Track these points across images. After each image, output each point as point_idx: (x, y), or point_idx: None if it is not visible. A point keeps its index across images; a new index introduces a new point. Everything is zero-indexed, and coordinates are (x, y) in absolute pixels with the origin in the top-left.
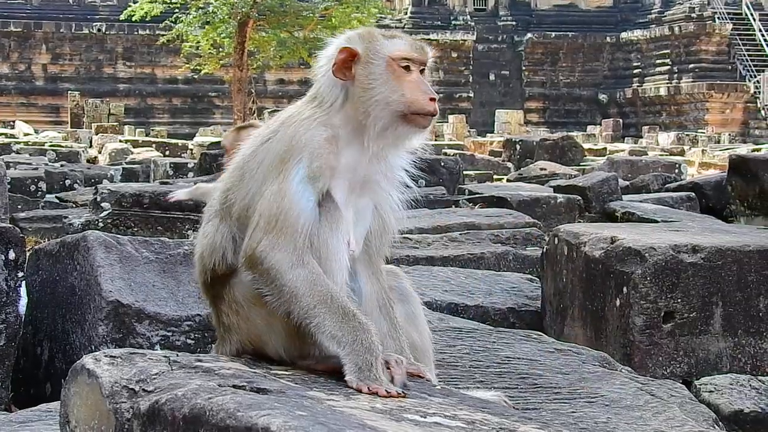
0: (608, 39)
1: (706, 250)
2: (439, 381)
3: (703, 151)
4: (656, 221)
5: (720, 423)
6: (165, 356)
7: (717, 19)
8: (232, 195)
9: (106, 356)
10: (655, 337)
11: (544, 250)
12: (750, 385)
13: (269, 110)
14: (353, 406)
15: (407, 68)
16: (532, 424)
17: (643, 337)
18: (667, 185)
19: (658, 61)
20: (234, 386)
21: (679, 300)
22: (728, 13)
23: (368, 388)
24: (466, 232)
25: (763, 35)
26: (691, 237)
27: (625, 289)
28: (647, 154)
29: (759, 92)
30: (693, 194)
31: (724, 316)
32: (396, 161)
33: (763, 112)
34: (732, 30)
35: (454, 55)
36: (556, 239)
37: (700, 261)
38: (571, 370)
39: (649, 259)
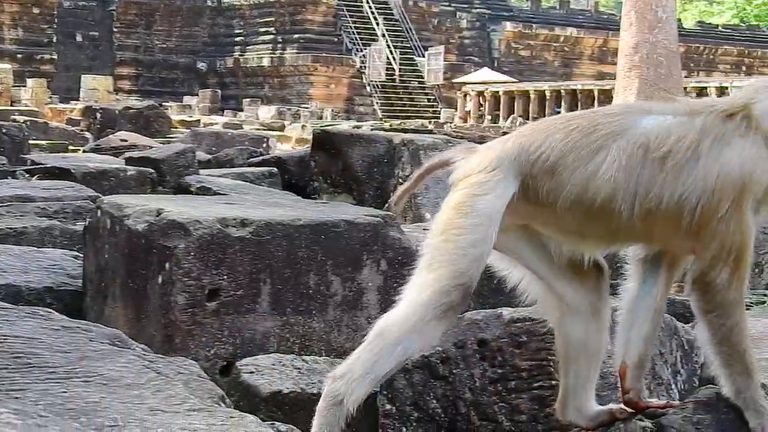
0: (209, 2)
1: (255, 223)
2: None
3: (303, 126)
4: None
5: (227, 400)
6: None
7: None
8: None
9: None
10: (199, 317)
11: (87, 223)
12: (293, 365)
13: None
14: None
15: None
16: (9, 405)
17: (185, 317)
18: (250, 160)
19: (261, 30)
20: None
21: (225, 276)
22: None
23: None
24: (8, 204)
25: (370, 7)
26: (243, 210)
27: (167, 265)
28: (242, 128)
29: (365, 67)
30: (275, 170)
31: (273, 293)
32: None
33: (368, 88)
34: (339, 0)
35: (36, 11)
36: (99, 211)
37: (248, 235)
38: (74, 348)
39: (193, 232)
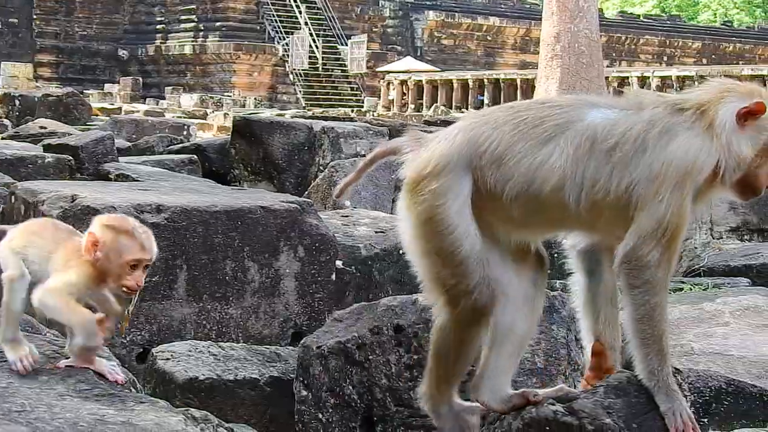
0: None
1: (171, 209)
2: None
3: (225, 114)
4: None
5: (138, 385)
6: None
7: None
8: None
9: None
10: None
11: (1, 209)
12: (209, 352)
13: None
14: None
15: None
16: None
17: None
18: (170, 147)
19: (183, 17)
20: None
21: None
22: None
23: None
24: None
25: None
26: (158, 196)
27: None
28: (164, 116)
29: (288, 55)
30: (195, 157)
31: (189, 280)
32: None
33: (291, 76)
34: None
35: None
36: (13, 197)
37: (163, 221)
38: None
39: None
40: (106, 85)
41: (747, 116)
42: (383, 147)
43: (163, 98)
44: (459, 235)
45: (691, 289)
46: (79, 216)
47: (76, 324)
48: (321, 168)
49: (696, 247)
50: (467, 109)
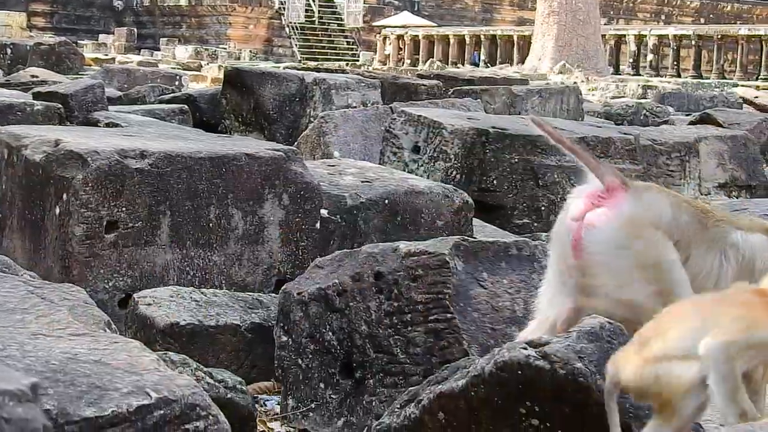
0: None
1: (155, 155)
2: None
3: (219, 66)
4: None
5: (113, 326)
6: None
7: None
8: None
9: None
10: (96, 249)
11: None
12: (191, 298)
13: None
14: None
15: None
16: None
17: (82, 249)
18: (161, 97)
19: None
20: None
21: (124, 208)
22: None
23: None
24: None
25: None
26: (142, 142)
27: (65, 196)
28: (157, 67)
29: (284, 8)
30: (186, 107)
31: (173, 226)
32: None
33: (287, 29)
34: None
35: None
36: None
37: (147, 167)
38: None
39: (91, 163)
40: (101, 36)
41: None
42: (611, 177)
43: (158, 50)
44: (677, 273)
45: None
46: (62, 161)
47: (730, 413)
48: (312, 119)
49: None
50: (463, 65)
